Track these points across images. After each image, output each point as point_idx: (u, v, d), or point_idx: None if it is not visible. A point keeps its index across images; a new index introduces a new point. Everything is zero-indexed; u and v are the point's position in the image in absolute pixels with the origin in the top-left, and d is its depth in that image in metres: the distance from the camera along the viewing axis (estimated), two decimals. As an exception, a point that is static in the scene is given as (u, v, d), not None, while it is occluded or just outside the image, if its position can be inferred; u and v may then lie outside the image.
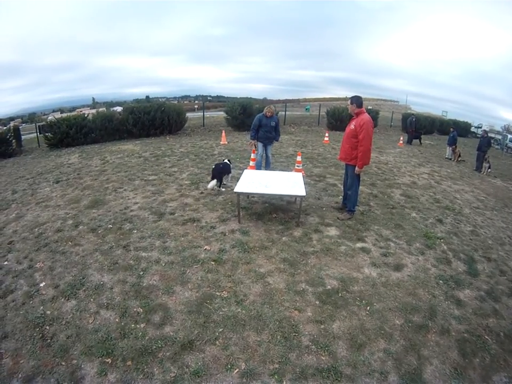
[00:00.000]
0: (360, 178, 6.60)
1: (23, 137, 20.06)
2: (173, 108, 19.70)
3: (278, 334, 3.80)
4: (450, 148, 16.38)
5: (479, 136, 17.29)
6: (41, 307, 4.29)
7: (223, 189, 8.13)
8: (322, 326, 3.91)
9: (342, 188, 7.19)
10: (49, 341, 3.79)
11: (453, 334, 3.88)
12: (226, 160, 8.59)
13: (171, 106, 20.07)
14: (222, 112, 25.10)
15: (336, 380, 3.28)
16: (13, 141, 17.64)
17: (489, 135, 16.03)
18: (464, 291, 4.66)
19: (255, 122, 8.66)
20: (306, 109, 34.37)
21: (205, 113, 23.95)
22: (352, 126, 6.01)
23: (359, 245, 5.65)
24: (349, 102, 6.14)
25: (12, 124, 21.62)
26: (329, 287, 4.59)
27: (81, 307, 4.27)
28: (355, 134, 5.93)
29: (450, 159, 16.05)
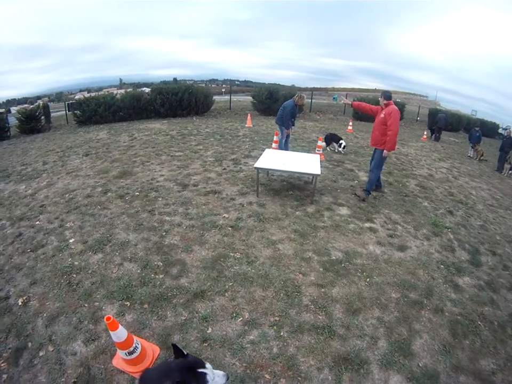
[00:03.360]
0: (383, 163, 7.14)
1: (51, 114, 20.32)
2: (201, 90, 19.71)
3: (281, 292, 4.16)
4: (472, 147, 16.09)
5: (503, 136, 16.91)
6: (70, 259, 4.76)
7: (328, 149, 9.45)
8: (322, 290, 4.24)
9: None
10: (74, 286, 4.24)
11: (446, 314, 4.06)
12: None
13: (198, 88, 20.06)
14: (248, 97, 24.89)
15: (329, 337, 3.58)
16: (42, 117, 17.80)
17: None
18: (464, 278, 4.80)
19: (290, 111, 8.75)
20: (334, 99, 33.97)
21: (231, 97, 23.83)
22: (382, 115, 6.63)
23: (367, 224, 5.92)
24: (379, 96, 6.91)
25: (39, 102, 21.79)
26: (334, 257, 4.90)
27: (107, 259, 4.73)
28: (384, 121, 6.55)
29: (472, 157, 15.85)
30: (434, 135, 18.99)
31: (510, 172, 13.68)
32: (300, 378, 3.16)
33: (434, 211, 6.86)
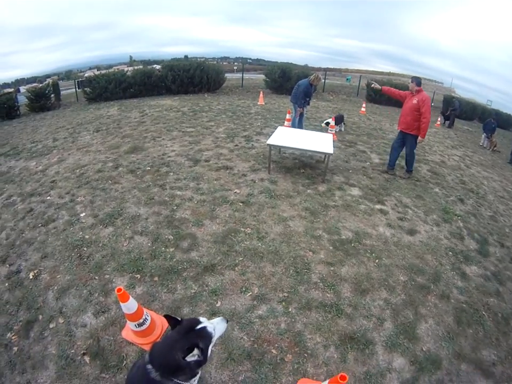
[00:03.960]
0: (415, 146, 7.34)
1: (61, 92, 20.28)
2: (212, 67, 19.56)
3: (291, 268, 4.19)
4: (487, 137, 15.92)
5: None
6: (81, 232, 4.81)
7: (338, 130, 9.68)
8: (332, 268, 4.27)
9: (390, 153, 7.79)
10: (85, 259, 4.30)
11: (452, 301, 4.07)
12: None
13: (210, 65, 19.91)
14: (261, 75, 24.72)
15: (337, 315, 3.62)
16: (52, 95, 17.92)
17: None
18: (471, 267, 4.79)
19: (304, 90, 8.70)
20: (347, 79, 33.61)
21: (244, 75, 23.63)
22: (414, 101, 6.76)
23: (378, 206, 5.92)
24: (410, 81, 7.05)
25: (49, 80, 21.77)
26: (343, 237, 4.92)
27: (118, 233, 4.78)
28: (417, 107, 6.70)
29: (485, 147, 15.69)
30: (448, 121, 18.73)
31: None
32: (306, 355, 3.21)
33: (445, 198, 6.82)
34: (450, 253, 4.99)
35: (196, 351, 1.94)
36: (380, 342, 3.40)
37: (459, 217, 6.05)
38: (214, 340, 2.12)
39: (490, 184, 8.72)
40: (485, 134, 16.06)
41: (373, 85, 8.09)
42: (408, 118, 6.96)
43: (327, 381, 2.36)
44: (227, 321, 2.31)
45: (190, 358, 1.93)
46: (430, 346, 3.44)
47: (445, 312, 3.89)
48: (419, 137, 6.92)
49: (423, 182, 7.39)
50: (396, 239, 5.05)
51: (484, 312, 4.00)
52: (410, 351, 3.36)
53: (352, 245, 4.76)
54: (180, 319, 2.09)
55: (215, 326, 2.15)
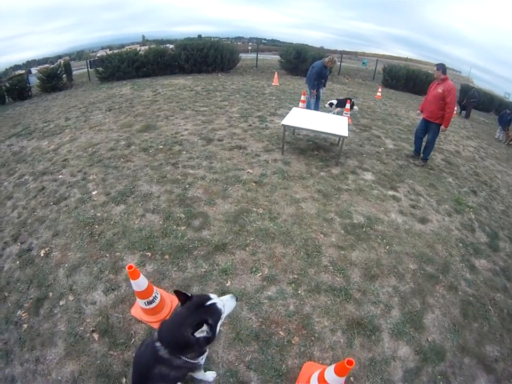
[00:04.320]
0: (437, 134, 7.33)
1: (73, 72, 20.24)
2: (226, 47, 19.36)
3: (302, 250, 4.20)
4: (503, 130, 15.68)
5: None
6: (92, 210, 4.85)
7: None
8: (342, 252, 4.27)
9: (414, 140, 7.83)
10: (96, 237, 4.34)
11: (460, 293, 4.05)
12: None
13: (224, 45, 19.68)
14: (275, 56, 24.44)
15: (345, 300, 3.64)
16: (64, 75, 17.96)
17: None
18: (481, 260, 4.75)
19: (317, 71, 8.67)
20: (363, 63, 33.21)
21: (258, 55, 23.28)
22: (439, 89, 6.70)
23: (391, 192, 5.88)
24: (435, 68, 6.82)
25: (60, 61, 21.75)
26: (355, 221, 4.91)
27: (129, 211, 4.81)
28: (443, 96, 6.63)
29: (501, 140, 15.48)
30: (464, 111, 18.48)
31: None
32: (313, 338, 3.23)
33: (458, 188, 6.75)
34: (460, 244, 4.95)
35: (204, 327, 1.95)
36: (387, 329, 3.41)
37: (471, 209, 5.99)
38: (223, 316, 2.13)
39: (504, 178, 8.59)
40: (500, 126, 15.82)
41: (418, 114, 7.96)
42: (433, 107, 6.91)
43: (334, 365, 2.36)
44: (237, 299, 2.31)
45: (198, 334, 1.95)
46: (435, 337, 3.45)
47: (452, 304, 3.88)
48: (442, 126, 6.92)
49: (436, 171, 7.31)
50: (407, 227, 5.03)
51: (490, 307, 3.99)
52: (415, 340, 3.37)
53: (364, 229, 4.75)
54: (190, 295, 2.10)
55: (225, 303, 2.15)
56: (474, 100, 18.46)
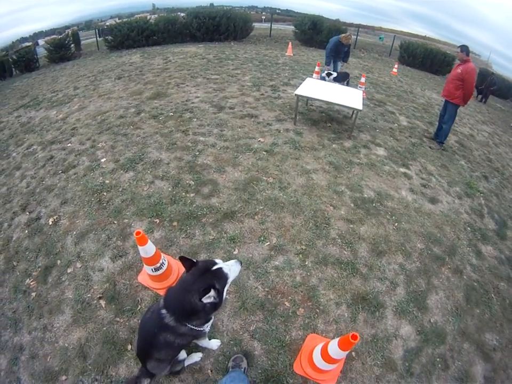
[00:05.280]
0: (455, 117, 7.34)
1: (81, 42, 19.96)
2: (240, 15, 18.92)
3: (310, 221, 4.18)
4: None
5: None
6: (101, 178, 4.85)
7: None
8: (351, 226, 4.25)
9: (438, 122, 7.73)
10: (105, 204, 4.35)
11: (464, 277, 4.06)
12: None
13: (238, 13, 19.20)
14: (290, 26, 24.00)
15: (352, 274, 3.64)
16: (72, 45, 17.75)
17: None
18: (487, 247, 4.73)
19: (331, 47, 8.64)
20: (380, 38, 32.61)
21: (272, 25, 22.81)
22: (459, 70, 6.73)
23: (402, 169, 5.83)
24: (459, 50, 6.81)
25: (68, 31, 21.35)
26: (366, 195, 4.89)
27: (138, 177, 4.80)
28: (461, 77, 6.67)
29: (517, 128, 15.26)
30: (481, 96, 18.17)
31: None
32: (318, 311, 3.25)
33: (470, 172, 6.67)
34: (468, 228, 4.94)
35: (212, 293, 1.93)
36: (391, 307, 3.43)
37: (482, 194, 5.94)
38: (229, 281, 2.12)
39: (517, 168, 8.51)
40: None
41: None
42: (450, 86, 6.92)
43: (338, 339, 2.34)
44: (241, 264, 2.29)
45: (206, 300, 1.94)
46: (437, 319, 3.47)
47: (456, 287, 3.89)
48: (458, 101, 6.92)
49: (449, 152, 7.22)
50: (417, 205, 5.00)
51: (493, 295, 4.01)
52: (418, 320, 3.39)
53: (374, 205, 4.73)
54: (195, 260, 2.07)
55: (230, 267, 2.13)
56: (494, 88, 18.15)
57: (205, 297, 1.90)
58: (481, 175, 6.72)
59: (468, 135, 8.94)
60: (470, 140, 8.65)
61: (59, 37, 17.78)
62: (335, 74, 8.73)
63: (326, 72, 8.70)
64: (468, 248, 4.54)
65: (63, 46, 17.01)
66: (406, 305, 3.46)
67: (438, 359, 3.12)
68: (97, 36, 19.89)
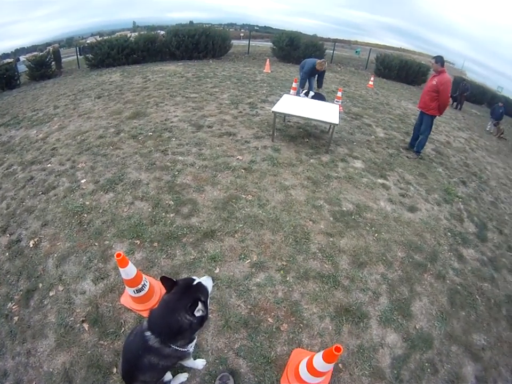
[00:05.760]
0: (431, 127, 7.38)
1: (62, 59, 19.98)
2: (218, 33, 19.17)
3: (290, 237, 4.20)
4: (494, 123, 15.77)
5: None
6: (81, 199, 4.81)
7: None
8: (331, 239, 4.28)
9: (413, 132, 7.80)
10: (85, 226, 4.30)
11: (447, 282, 4.10)
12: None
13: (216, 31, 19.45)
14: (268, 43, 24.26)
15: (334, 287, 3.65)
16: (53, 63, 17.62)
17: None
18: (469, 250, 4.80)
19: (307, 71, 8.80)
20: (356, 52, 33.07)
21: (250, 42, 23.13)
22: (434, 81, 6.77)
23: (380, 180, 5.90)
24: (433, 61, 6.83)
25: (49, 48, 21.37)
26: (344, 208, 4.92)
27: (118, 198, 4.78)
28: (436, 89, 6.72)
29: (491, 133, 15.56)
30: (456, 103, 18.53)
31: None
32: (301, 325, 3.25)
33: (448, 178, 6.78)
34: (449, 233, 5.00)
35: (200, 305, 1.97)
36: (375, 317, 3.44)
37: (460, 199, 6.03)
38: (209, 294, 2.17)
39: (494, 170, 8.65)
40: (492, 119, 15.91)
41: None
42: (426, 98, 6.99)
43: (322, 352, 2.35)
44: (213, 279, 2.33)
45: (197, 313, 1.98)
46: (423, 325, 3.49)
47: (439, 292, 3.93)
48: (434, 112, 6.99)
49: (427, 161, 7.34)
50: (396, 215, 5.05)
51: (477, 296, 4.05)
52: (403, 327, 3.40)
53: (353, 217, 4.76)
54: (174, 279, 2.10)
55: (206, 281, 2.18)
56: (467, 93, 18.54)
57: (195, 310, 1.95)
58: (459, 181, 6.83)
59: (444, 142, 9.09)
60: (446, 147, 8.80)
61: (40, 54, 17.63)
62: (312, 93, 8.87)
63: (303, 92, 8.83)
64: (449, 253, 4.60)
65: (44, 63, 16.87)
66: (390, 314, 3.47)
67: (426, 364, 3.14)
68: (78, 53, 19.81)
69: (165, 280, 2.06)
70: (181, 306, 1.96)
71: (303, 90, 8.89)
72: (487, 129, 15.73)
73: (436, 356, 3.23)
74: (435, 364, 3.17)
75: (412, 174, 6.43)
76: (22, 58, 24.24)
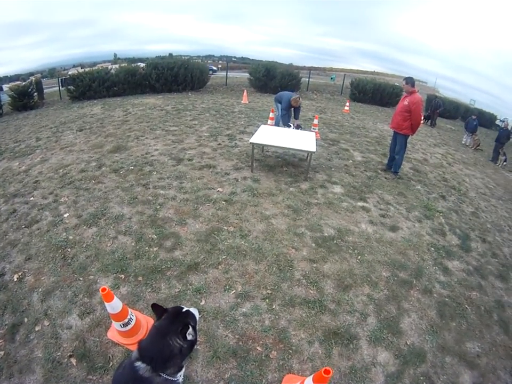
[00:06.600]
0: (406, 146, 7.63)
1: (44, 90, 20.13)
2: (197, 66, 19.60)
3: (274, 266, 4.21)
4: (470, 135, 16.14)
5: (500, 128, 17.03)
6: (64, 233, 4.76)
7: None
8: (314, 265, 4.29)
9: (389, 153, 8.04)
10: (69, 260, 4.25)
11: (435, 295, 4.14)
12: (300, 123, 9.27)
13: (195, 64, 19.91)
14: (245, 74, 24.75)
15: (320, 311, 3.65)
16: (35, 93, 17.66)
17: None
18: (453, 262, 4.88)
19: (285, 107, 8.69)
20: (331, 78, 33.77)
21: (228, 73, 23.77)
22: (405, 102, 7.01)
23: (360, 203, 5.98)
24: (404, 82, 7.17)
25: (32, 78, 21.53)
26: (326, 234, 4.95)
27: (101, 233, 4.74)
28: (408, 109, 6.93)
29: (468, 145, 15.90)
30: (430, 120, 18.94)
31: (504, 163, 13.88)
32: (290, 351, 3.22)
33: (427, 195, 6.91)
34: (432, 248, 5.07)
35: (190, 329, 1.99)
36: (364, 337, 3.44)
37: (441, 214, 6.13)
38: (197, 321, 2.21)
39: (472, 182, 8.84)
40: (467, 132, 16.28)
41: None
42: (398, 118, 7.18)
43: (312, 376, 2.36)
44: (199, 311, 2.41)
45: (189, 337, 2.00)
46: (414, 340, 3.49)
47: (428, 307, 3.95)
48: (407, 131, 7.18)
49: (405, 180, 7.48)
50: (378, 236, 5.10)
51: (466, 306, 4.08)
52: (394, 345, 3.40)
53: (335, 241, 4.79)
54: (164, 307, 2.12)
55: (194, 312, 2.22)
56: (440, 109, 18.97)
57: (186, 333, 1.97)
58: (439, 196, 6.98)
59: (421, 160, 9.29)
60: (424, 164, 8.99)
61: (23, 84, 17.56)
62: (296, 123, 9.04)
63: (294, 126, 8.94)
64: (434, 267, 4.65)
65: (27, 94, 16.86)
66: (379, 333, 3.47)
67: (421, 378, 3.13)
68: (60, 85, 19.93)
69: (155, 307, 2.08)
70: (172, 330, 1.98)
71: (292, 126, 8.96)
72: (463, 142, 16.14)
73: (431, 369, 3.23)
74: (430, 377, 3.16)
75: (391, 194, 6.53)
76: (5, 87, 24.22)
